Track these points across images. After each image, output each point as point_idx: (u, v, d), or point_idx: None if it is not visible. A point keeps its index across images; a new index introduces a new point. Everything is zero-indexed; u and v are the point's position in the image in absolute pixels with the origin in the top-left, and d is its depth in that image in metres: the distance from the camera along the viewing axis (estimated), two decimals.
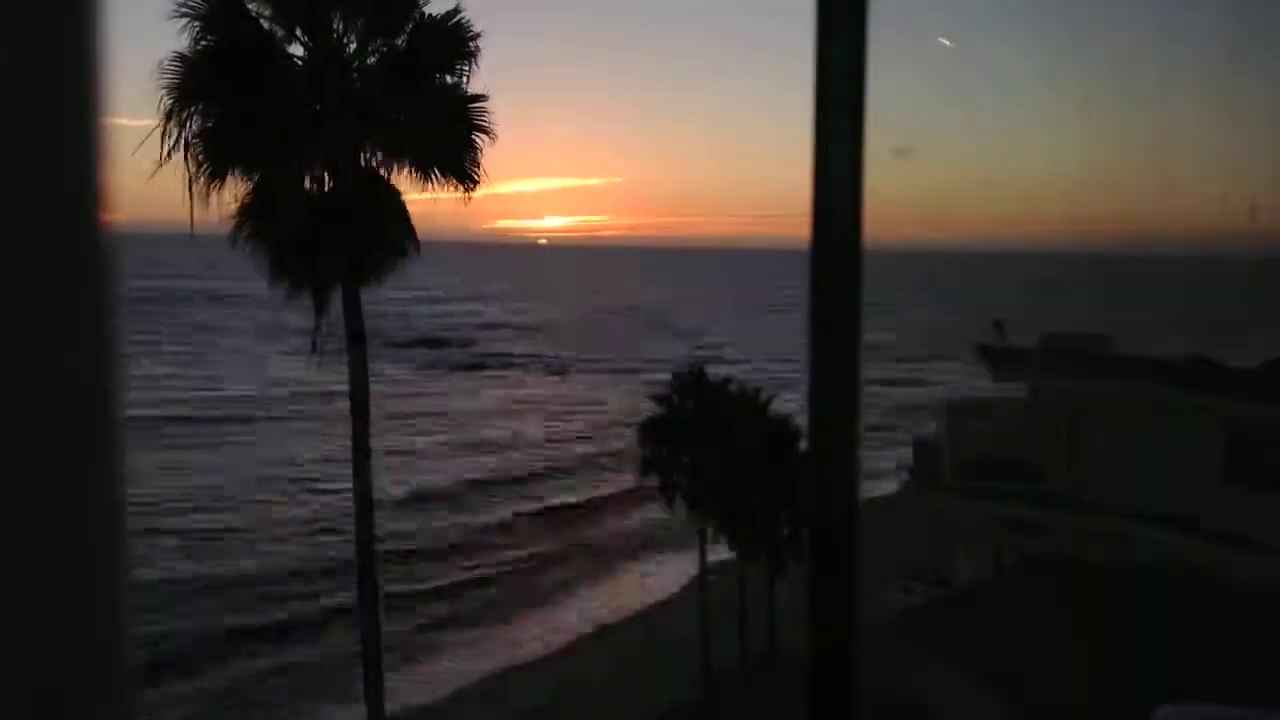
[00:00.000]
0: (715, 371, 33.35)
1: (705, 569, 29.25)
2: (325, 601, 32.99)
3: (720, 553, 30.43)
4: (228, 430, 57.17)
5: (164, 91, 15.23)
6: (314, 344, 16.62)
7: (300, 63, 16.39)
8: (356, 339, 16.55)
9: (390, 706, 17.79)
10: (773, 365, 73.77)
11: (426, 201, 16.78)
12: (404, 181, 16.63)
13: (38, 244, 0.70)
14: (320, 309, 16.43)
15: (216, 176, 15.72)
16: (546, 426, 63.25)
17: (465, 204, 16.63)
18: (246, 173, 15.95)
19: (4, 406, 0.70)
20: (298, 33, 16.28)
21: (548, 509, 46.81)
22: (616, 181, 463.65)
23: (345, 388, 16.81)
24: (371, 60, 16.51)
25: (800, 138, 1.43)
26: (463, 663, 31.13)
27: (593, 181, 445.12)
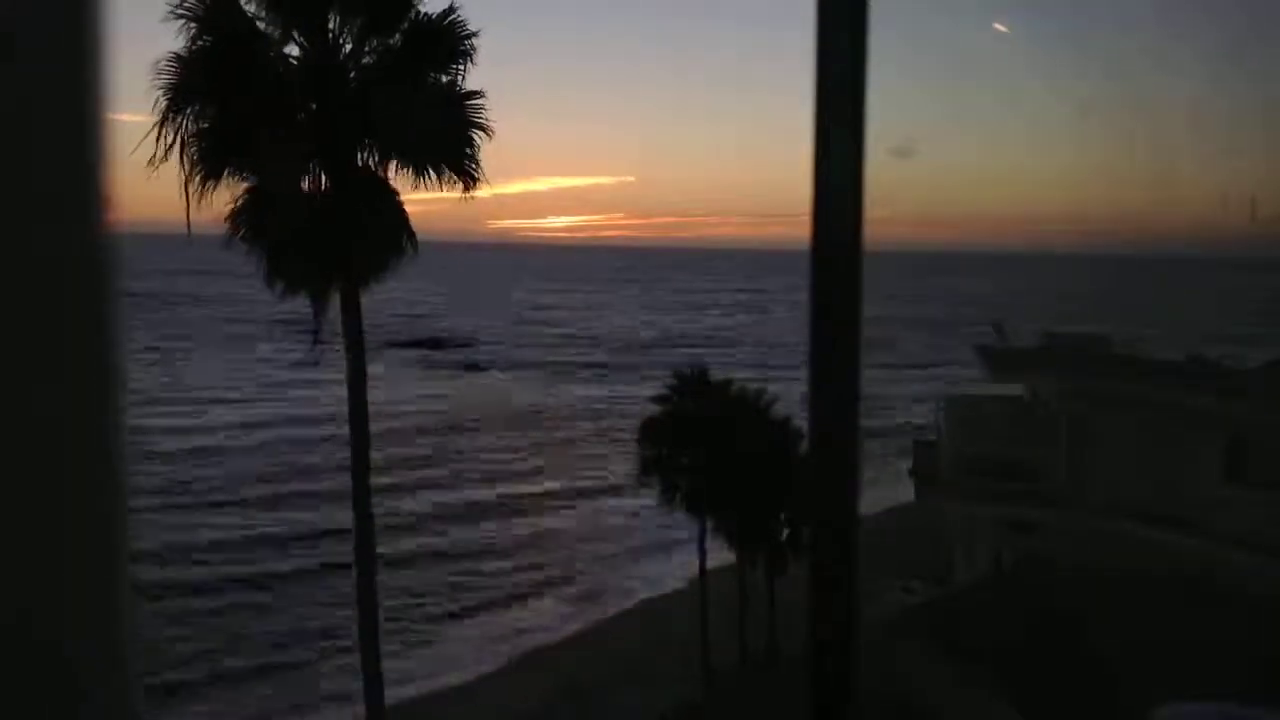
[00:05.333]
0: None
1: (705, 568, 29.25)
2: None
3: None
4: None
5: (160, 92, 15.25)
6: (314, 344, 16.60)
7: (296, 63, 16.38)
8: (355, 342, 16.53)
9: None
10: None
11: (430, 201, 16.79)
12: (405, 181, 16.62)
13: (39, 243, 0.70)
14: (318, 311, 16.41)
15: (212, 177, 15.72)
16: None
17: (466, 202, 16.62)
18: (242, 173, 15.95)
19: (5, 406, 0.70)
20: (294, 33, 16.27)
21: None
22: (629, 180, 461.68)
23: None
24: (367, 60, 16.50)
25: (803, 138, 1.43)
26: None
27: (604, 180, 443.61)
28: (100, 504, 0.74)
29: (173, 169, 15.38)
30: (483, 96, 16.73)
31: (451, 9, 16.55)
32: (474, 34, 16.66)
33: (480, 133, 16.61)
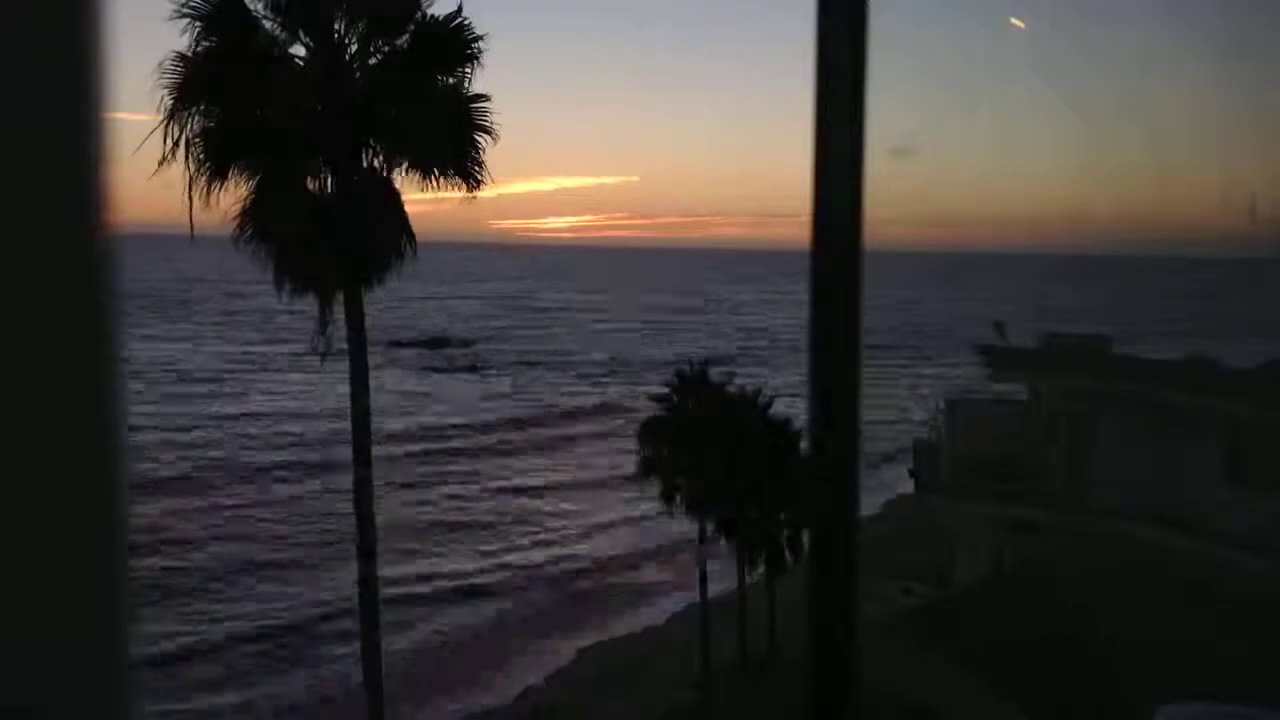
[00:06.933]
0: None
1: (705, 570, 29.25)
2: None
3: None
4: None
5: (165, 91, 15.25)
6: (321, 346, 16.63)
7: (301, 63, 16.39)
8: (357, 342, 16.55)
9: None
10: None
11: (432, 201, 16.79)
12: (408, 182, 16.64)
13: (38, 243, 0.70)
14: (324, 311, 16.43)
15: (217, 177, 15.74)
16: None
17: (468, 204, 16.64)
18: (247, 173, 15.98)
19: (4, 406, 0.70)
20: (299, 33, 16.28)
21: None
22: (633, 180, 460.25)
23: None
24: (373, 61, 16.51)
25: (804, 138, 1.43)
26: None
27: (608, 180, 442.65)
28: (100, 504, 0.74)
29: (174, 169, 15.40)
30: (488, 100, 16.74)
31: (458, 13, 16.55)
32: (481, 38, 16.66)
33: (485, 136, 16.63)
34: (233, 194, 15.96)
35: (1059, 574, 24.04)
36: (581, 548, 41.11)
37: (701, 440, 28.49)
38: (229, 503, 43.70)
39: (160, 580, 33.73)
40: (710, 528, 29.17)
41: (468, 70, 16.64)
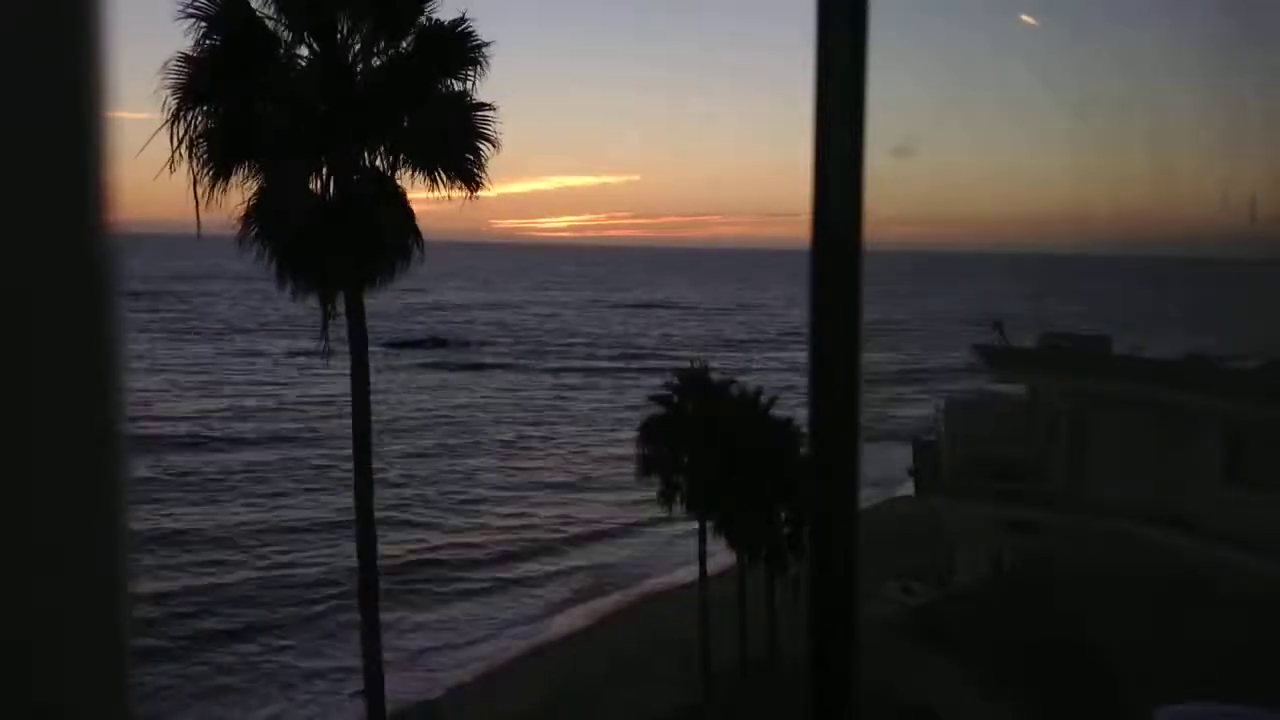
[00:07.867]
0: None
1: (705, 568, 29.26)
2: None
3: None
4: None
5: (169, 91, 15.27)
6: (323, 345, 16.65)
7: (305, 63, 16.40)
8: (359, 341, 16.56)
9: None
10: None
11: (433, 201, 16.81)
12: (411, 182, 16.66)
13: (39, 243, 0.70)
14: (327, 311, 16.46)
15: (220, 177, 15.75)
16: None
17: (470, 203, 16.67)
18: (251, 174, 16.00)
19: (4, 406, 0.70)
20: (304, 34, 16.29)
21: None
22: (634, 179, 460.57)
23: None
24: (377, 63, 16.53)
25: (804, 138, 1.43)
26: None
27: (610, 179, 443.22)
28: (99, 505, 0.74)
29: (179, 168, 15.42)
30: (492, 109, 16.77)
31: (462, 18, 16.58)
32: (485, 44, 16.69)
33: (487, 145, 16.67)
34: (238, 193, 16.01)
35: (1059, 574, 24.03)
36: None
37: (702, 440, 28.49)
38: None
39: None
40: (711, 526, 29.21)
41: (471, 74, 16.68)
